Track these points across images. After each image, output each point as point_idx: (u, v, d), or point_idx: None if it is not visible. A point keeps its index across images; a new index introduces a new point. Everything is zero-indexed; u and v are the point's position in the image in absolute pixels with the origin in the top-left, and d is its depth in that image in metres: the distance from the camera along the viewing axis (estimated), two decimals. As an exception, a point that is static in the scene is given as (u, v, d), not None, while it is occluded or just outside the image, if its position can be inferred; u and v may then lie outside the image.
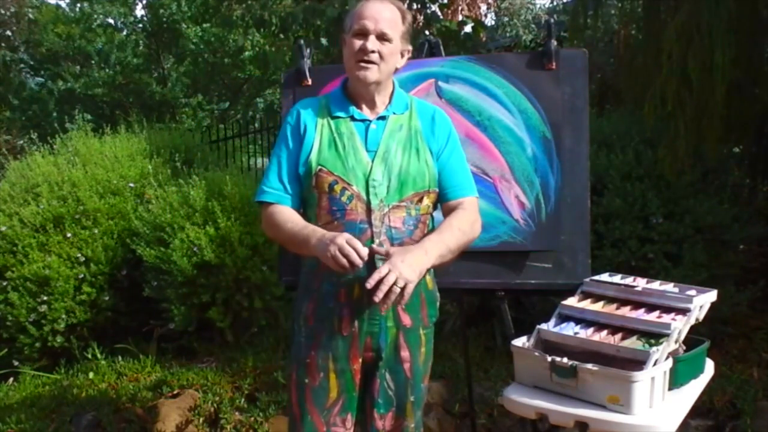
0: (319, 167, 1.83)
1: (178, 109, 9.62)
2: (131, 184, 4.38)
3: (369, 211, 1.81)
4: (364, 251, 1.70)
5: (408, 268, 1.70)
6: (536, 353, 1.94)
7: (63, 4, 11.08)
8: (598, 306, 2.06)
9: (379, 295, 1.67)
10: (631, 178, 3.44)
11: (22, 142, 8.40)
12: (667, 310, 1.95)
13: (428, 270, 1.89)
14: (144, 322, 4.11)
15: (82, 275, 3.98)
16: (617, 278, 2.21)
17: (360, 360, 1.87)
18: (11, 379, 3.99)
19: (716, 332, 3.12)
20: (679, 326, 1.88)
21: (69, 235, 4.05)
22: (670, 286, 2.10)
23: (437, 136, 1.94)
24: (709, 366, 2.10)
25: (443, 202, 1.95)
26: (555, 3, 9.96)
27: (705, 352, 2.06)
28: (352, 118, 1.89)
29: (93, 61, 9.95)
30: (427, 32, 4.82)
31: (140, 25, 10.01)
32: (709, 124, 3.12)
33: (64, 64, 10.04)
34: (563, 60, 2.38)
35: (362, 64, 1.82)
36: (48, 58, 10.22)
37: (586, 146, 2.36)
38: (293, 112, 1.94)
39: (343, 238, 1.70)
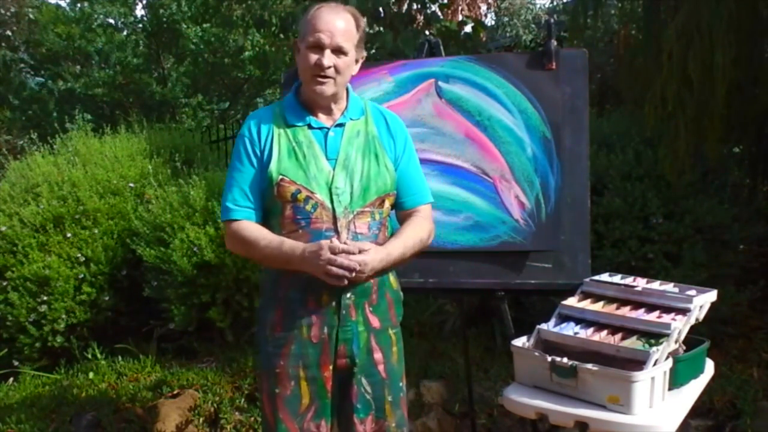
0: (281, 177, 1.83)
1: (178, 109, 9.60)
2: (131, 184, 4.38)
3: (334, 218, 1.82)
4: (348, 246, 1.75)
5: (372, 263, 1.80)
6: (536, 353, 1.95)
7: (63, 4, 11.06)
8: (598, 306, 2.07)
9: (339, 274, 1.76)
10: (631, 178, 3.44)
11: (22, 142, 8.40)
12: (667, 310, 1.96)
13: (388, 270, 1.94)
14: (144, 322, 4.11)
15: (82, 275, 3.97)
16: (617, 278, 2.21)
17: (331, 367, 1.87)
18: (11, 379, 3.99)
19: (716, 332, 3.11)
20: (679, 326, 1.88)
21: (69, 235, 4.05)
22: (670, 286, 2.11)
23: (395, 142, 1.95)
24: (709, 366, 2.10)
25: (400, 210, 1.98)
26: (555, 3, 9.96)
27: (705, 352, 2.06)
28: (310, 126, 1.88)
29: (93, 61, 9.95)
30: (427, 32, 4.82)
31: (140, 25, 9.99)
32: (710, 124, 3.12)
33: (64, 64, 10.02)
34: (563, 60, 2.38)
35: (318, 79, 1.82)
36: (48, 58, 10.20)
37: (586, 146, 2.36)
38: (247, 125, 1.92)
39: (325, 259, 1.73)
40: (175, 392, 3.48)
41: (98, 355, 3.94)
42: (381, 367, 1.92)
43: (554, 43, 2.38)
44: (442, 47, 2.63)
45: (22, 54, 10.83)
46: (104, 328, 4.10)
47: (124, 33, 10.27)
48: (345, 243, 1.77)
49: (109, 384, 3.67)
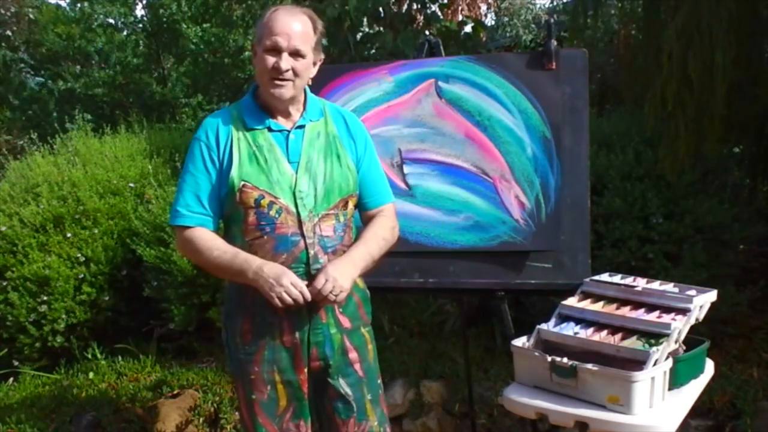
0: (243, 182, 1.80)
1: (178, 109, 9.59)
2: (131, 184, 4.38)
3: (300, 222, 1.80)
4: (306, 291, 1.75)
5: (342, 277, 1.77)
6: (536, 353, 1.95)
7: (63, 4, 11.06)
8: (598, 306, 2.07)
9: (319, 305, 1.79)
10: (631, 178, 3.44)
11: (22, 142, 8.40)
12: (667, 310, 1.96)
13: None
14: (144, 322, 4.11)
15: (82, 275, 3.98)
16: (617, 278, 2.21)
17: (306, 369, 1.87)
18: (11, 379, 3.99)
19: (716, 332, 3.11)
20: (679, 326, 1.88)
21: (69, 235, 4.05)
22: (670, 286, 2.11)
23: (355, 142, 1.94)
24: (709, 366, 2.10)
25: (363, 211, 1.97)
26: (555, 3, 9.95)
27: (705, 352, 2.06)
28: (269, 129, 1.86)
29: (93, 61, 9.94)
30: (427, 32, 4.81)
31: (140, 25, 9.99)
32: (710, 124, 3.11)
33: (64, 64, 10.01)
34: (563, 60, 2.38)
35: (277, 82, 1.80)
36: (48, 58, 10.18)
37: (586, 146, 2.36)
38: (204, 128, 1.88)
39: (288, 280, 1.72)
40: (175, 392, 3.48)
41: (98, 355, 3.94)
42: (357, 366, 1.92)
43: (554, 43, 2.38)
44: (442, 47, 2.63)
45: (22, 54, 10.82)
46: (104, 328, 4.10)
47: (124, 33, 10.26)
48: (305, 289, 1.76)
49: (109, 384, 3.67)
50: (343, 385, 1.90)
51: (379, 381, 1.99)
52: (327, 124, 1.92)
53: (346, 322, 1.90)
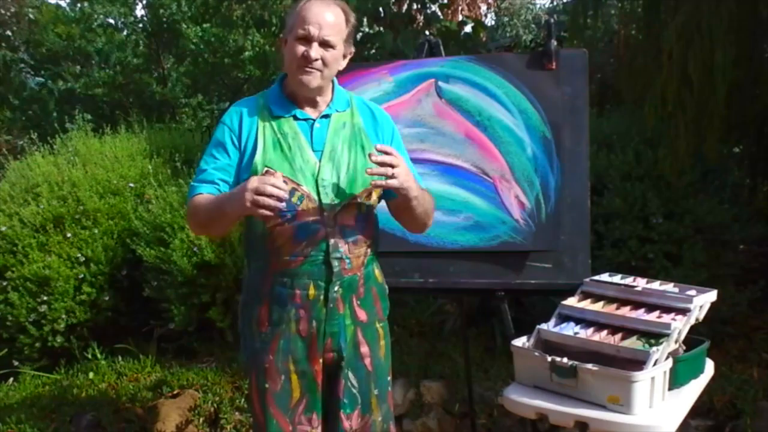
0: (266, 169, 1.80)
1: (178, 109, 9.58)
2: (131, 184, 4.38)
3: (321, 210, 1.80)
4: (280, 181, 1.65)
5: (406, 172, 1.74)
6: (536, 353, 1.95)
7: (63, 4, 11.05)
8: (598, 306, 2.07)
9: (376, 167, 1.70)
10: (631, 178, 3.44)
11: (22, 142, 8.39)
12: (667, 310, 1.96)
13: (377, 264, 1.93)
14: (144, 322, 4.11)
15: (82, 275, 3.97)
16: (617, 278, 2.21)
17: (321, 361, 1.86)
18: (11, 379, 3.99)
19: (716, 332, 3.11)
20: (679, 326, 1.88)
21: (69, 235, 4.04)
22: (670, 286, 2.11)
23: (381, 134, 1.94)
24: (709, 366, 2.10)
25: (391, 198, 1.90)
26: (555, 3, 9.95)
27: (705, 352, 2.07)
28: (295, 118, 1.86)
29: (93, 61, 9.94)
30: (427, 32, 4.81)
31: (140, 25, 9.98)
32: (710, 124, 3.12)
33: (64, 64, 10.00)
34: (563, 60, 2.39)
35: (306, 69, 1.80)
36: (48, 58, 10.17)
37: (586, 146, 2.36)
38: (230, 114, 1.89)
39: (255, 181, 1.64)
40: (175, 392, 3.48)
41: (98, 355, 3.94)
42: (367, 361, 1.91)
43: (554, 43, 2.38)
44: (442, 47, 2.63)
45: (22, 54, 10.81)
46: (104, 328, 4.10)
47: (124, 33, 10.25)
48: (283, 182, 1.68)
49: (109, 384, 3.67)
50: (352, 379, 1.89)
51: (389, 378, 1.99)
52: (353, 116, 1.92)
53: (362, 315, 1.89)
